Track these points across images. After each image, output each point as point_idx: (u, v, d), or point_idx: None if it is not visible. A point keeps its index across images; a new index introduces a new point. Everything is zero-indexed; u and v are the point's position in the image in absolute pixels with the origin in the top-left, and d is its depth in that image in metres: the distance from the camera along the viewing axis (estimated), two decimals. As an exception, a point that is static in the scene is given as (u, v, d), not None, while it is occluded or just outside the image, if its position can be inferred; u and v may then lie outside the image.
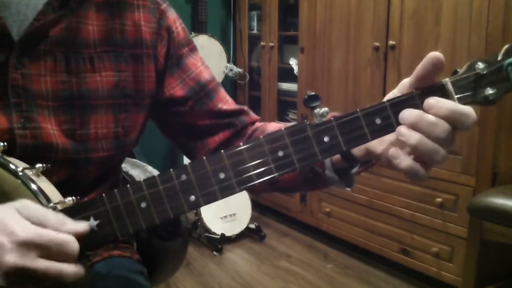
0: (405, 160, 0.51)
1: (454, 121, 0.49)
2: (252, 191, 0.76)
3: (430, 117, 0.49)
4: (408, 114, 0.50)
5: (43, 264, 0.47)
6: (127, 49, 0.70)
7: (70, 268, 0.48)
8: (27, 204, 0.49)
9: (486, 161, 1.73)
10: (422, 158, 0.50)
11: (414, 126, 0.50)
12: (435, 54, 0.50)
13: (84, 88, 0.66)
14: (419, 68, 0.51)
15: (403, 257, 2.08)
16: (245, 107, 0.79)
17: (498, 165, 1.73)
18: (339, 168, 0.63)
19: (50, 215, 0.49)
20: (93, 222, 0.52)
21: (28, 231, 0.46)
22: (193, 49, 0.78)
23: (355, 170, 0.63)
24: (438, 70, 0.50)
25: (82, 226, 0.50)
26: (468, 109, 0.49)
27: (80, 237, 0.50)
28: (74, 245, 0.49)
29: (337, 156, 0.62)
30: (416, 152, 0.50)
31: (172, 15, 0.75)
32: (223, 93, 0.78)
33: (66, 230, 0.49)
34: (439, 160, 0.50)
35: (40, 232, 0.47)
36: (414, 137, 0.49)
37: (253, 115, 0.80)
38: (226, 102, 0.77)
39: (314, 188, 0.70)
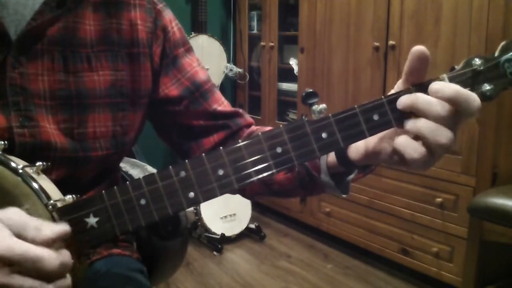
0: (413, 148, 0.50)
1: (459, 103, 0.48)
2: (246, 194, 0.76)
3: (426, 96, 0.49)
4: (405, 97, 0.50)
5: (17, 281, 0.44)
6: (124, 48, 0.70)
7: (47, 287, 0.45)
8: (9, 213, 0.47)
9: (486, 161, 1.73)
10: (429, 142, 0.49)
11: (412, 108, 0.49)
12: (418, 48, 0.50)
13: (81, 87, 0.66)
14: (406, 66, 0.51)
15: (403, 257, 2.08)
16: (240, 110, 0.79)
17: (498, 165, 1.73)
18: (335, 173, 0.63)
19: (29, 223, 0.46)
20: (92, 219, 0.52)
21: (3, 246, 0.44)
22: (189, 49, 0.78)
23: (351, 176, 0.62)
24: (425, 64, 0.50)
25: (59, 228, 0.47)
26: (473, 94, 0.49)
27: (62, 238, 0.48)
28: (48, 262, 0.45)
29: (333, 160, 0.61)
30: (423, 138, 0.49)
31: (168, 15, 0.75)
32: (218, 94, 0.78)
33: (43, 238, 0.46)
34: (445, 142, 0.48)
35: (13, 247, 0.44)
36: (422, 124, 0.49)
37: (248, 118, 0.79)
38: (222, 104, 0.77)
39: (310, 192, 0.69)
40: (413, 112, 0.51)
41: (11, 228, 0.46)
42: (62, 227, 0.48)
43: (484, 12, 1.66)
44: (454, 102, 0.48)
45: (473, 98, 0.48)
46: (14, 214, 0.47)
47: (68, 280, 0.48)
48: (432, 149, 0.50)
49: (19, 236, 0.46)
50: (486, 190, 1.66)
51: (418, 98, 0.49)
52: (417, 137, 0.50)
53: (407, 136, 0.51)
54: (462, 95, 0.48)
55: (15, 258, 0.44)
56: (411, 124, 0.50)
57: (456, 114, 0.49)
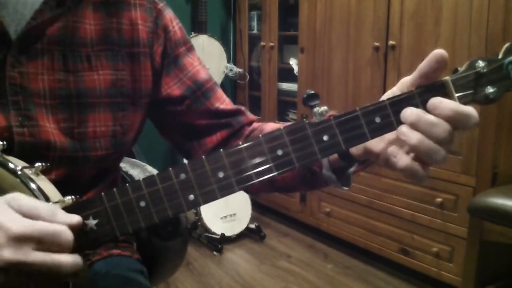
0: (403, 159, 0.51)
1: (456, 122, 0.49)
2: (250, 191, 0.76)
3: (430, 117, 0.49)
4: (409, 113, 0.50)
5: (39, 256, 0.46)
6: (124, 48, 0.70)
7: (67, 259, 0.47)
8: (17, 196, 0.48)
9: (486, 161, 1.73)
10: (422, 157, 0.50)
11: (414, 126, 0.49)
12: (439, 52, 0.49)
13: (81, 86, 0.66)
14: (423, 65, 0.51)
15: (403, 257, 2.08)
16: (242, 107, 0.79)
17: (498, 165, 1.73)
18: (337, 168, 0.63)
19: (41, 206, 0.48)
20: (92, 221, 0.52)
21: (21, 224, 0.46)
22: (190, 48, 0.78)
23: (352, 169, 0.63)
24: (442, 68, 0.50)
25: (75, 218, 0.49)
26: (471, 110, 0.49)
27: (74, 229, 0.49)
28: (67, 234, 0.47)
29: (334, 155, 0.61)
30: (416, 152, 0.50)
31: (168, 14, 0.75)
32: (220, 92, 0.78)
33: (58, 221, 0.48)
34: (439, 160, 0.50)
35: (33, 224, 0.46)
36: (414, 136, 0.49)
37: (251, 115, 0.79)
38: (223, 102, 0.77)
39: (312, 187, 0.70)
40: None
41: (21, 210, 0.47)
42: (76, 217, 0.50)
43: (484, 12, 1.66)
44: (452, 120, 0.49)
45: (471, 115, 0.48)
46: (22, 197, 0.48)
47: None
48: (424, 162, 0.50)
49: (30, 217, 0.47)
50: (486, 190, 1.66)
51: (422, 118, 0.49)
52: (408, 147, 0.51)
53: (397, 147, 0.51)
54: (459, 113, 0.48)
55: (35, 234, 0.46)
56: (408, 134, 0.50)
57: (454, 131, 0.49)
